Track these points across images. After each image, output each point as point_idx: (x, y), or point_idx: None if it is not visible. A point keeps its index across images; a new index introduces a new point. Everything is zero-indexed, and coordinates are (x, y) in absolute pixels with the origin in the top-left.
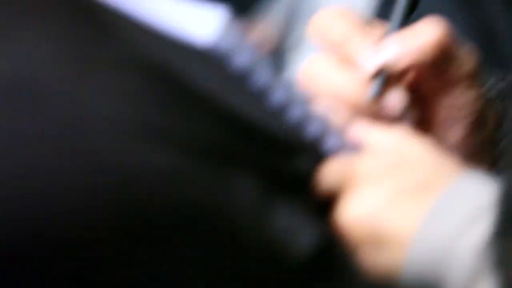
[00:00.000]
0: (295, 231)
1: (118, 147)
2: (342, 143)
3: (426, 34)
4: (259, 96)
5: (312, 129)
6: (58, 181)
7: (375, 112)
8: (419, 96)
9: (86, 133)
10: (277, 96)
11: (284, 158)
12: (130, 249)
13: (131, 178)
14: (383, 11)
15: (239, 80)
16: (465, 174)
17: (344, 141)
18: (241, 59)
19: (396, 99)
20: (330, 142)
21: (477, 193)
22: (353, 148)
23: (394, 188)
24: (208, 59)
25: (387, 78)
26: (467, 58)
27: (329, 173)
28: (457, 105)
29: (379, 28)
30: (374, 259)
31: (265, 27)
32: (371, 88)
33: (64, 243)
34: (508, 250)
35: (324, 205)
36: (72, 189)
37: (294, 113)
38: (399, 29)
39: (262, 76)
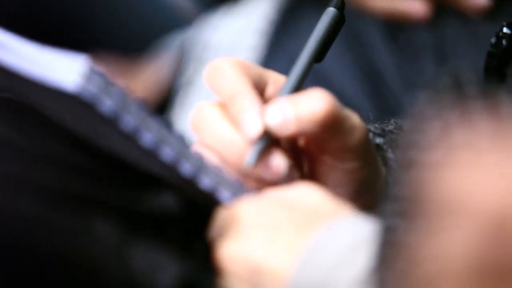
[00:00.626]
0: (156, 269)
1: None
2: (218, 182)
3: (314, 104)
4: (128, 138)
5: (185, 169)
6: None
7: (256, 175)
8: (307, 154)
9: None
10: (147, 137)
11: (146, 197)
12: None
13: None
14: (271, 50)
15: (108, 123)
16: (345, 214)
17: (220, 179)
18: (108, 103)
19: (279, 162)
20: (204, 181)
21: (353, 231)
22: (231, 186)
23: (272, 228)
24: (77, 103)
25: (271, 141)
26: (355, 129)
27: (219, 215)
28: (344, 170)
29: (273, 81)
30: None
31: (158, 65)
32: (250, 153)
33: None
34: (386, 285)
35: (199, 241)
36: None
37: (166, 154)
38: (291, 91)
39: (131, 118)
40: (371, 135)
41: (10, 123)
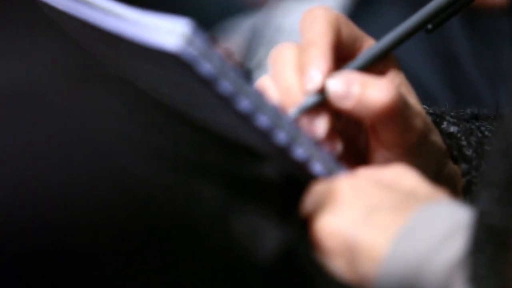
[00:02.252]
0: (257, 234)
1: (124, 163)
2: (311, 154)
3: (380, 93)
4: (227, 101)
5: (280, 137)
6: (71, 189)
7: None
8: (366, 134)
9: (90, 145)
10: (244, 103)
11: (247, 164)
12: (133, 252)
13: (138, 191)
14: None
15: (207, 85)
16: (441, 199)
17: (313, 151)
18: (209, 64)
19: (320, 124)
20: (298, 151)
21: (451, 215)
22: (322, 152)
23: (369, 207)
24: (177, 64)
25: (322, 102)
26: (412, 130)
27: (315, 190)
28: (394, 154)
29: (367, 48)
30: (348, 272)
31: (229, 46)
32: (298, 105)
33: (76, 248)
34: (479, 267)
35: (295, 212)
36: (85, 198)
37: (262, 121)
38: (365, 65)
39: (229, 83)
40: (445, 124)
41: (120, 97)
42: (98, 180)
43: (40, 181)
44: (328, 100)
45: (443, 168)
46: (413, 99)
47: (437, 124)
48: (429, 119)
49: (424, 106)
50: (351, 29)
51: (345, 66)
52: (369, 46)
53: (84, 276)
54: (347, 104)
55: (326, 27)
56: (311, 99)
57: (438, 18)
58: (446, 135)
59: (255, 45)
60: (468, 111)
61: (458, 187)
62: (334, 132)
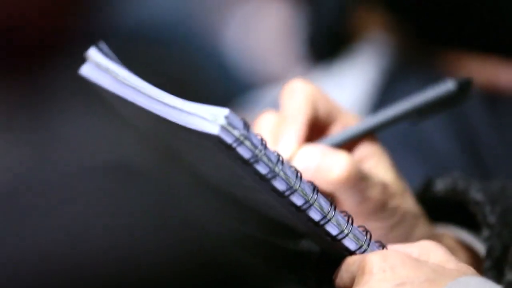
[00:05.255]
0: None
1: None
2: (344, 228)
3: (335, 164)
4: (264, 181)
5: (314, 215)
6: (154, 247)
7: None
8: None
9: (181, 213)
10: (281, 182)
11: (287, 240)
12: None
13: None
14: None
15: (246, 166)
16: (469, 275)
17: (347, 225)
18: (247, 146)
19: None
20: (331, 227)
21: None
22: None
23: (400, 282)
24: (219, 146)
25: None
26: (371, 195)
27: (347, 265)
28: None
29: (341, 121)
30: None
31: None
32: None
33: None
34: None
35: (330, 285)
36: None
37: (297, 200)
38: (338, 142)
39: (266, 164)
40: (473, 192)
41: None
42: (179, 236)
43: (127, 240)
44: None
45: (413, 229)
46: (381, 168)
47: (465, 193)
48: (398, 186)
49: (453, 176)
50: (327, 103)
51: (319, 140)
52: (345, 118)
53: None
54: (307, 175)
55: (303, 102)
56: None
57: (423, 112)
58: (473, 203)
59: None
60: (495, 182)
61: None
62: None
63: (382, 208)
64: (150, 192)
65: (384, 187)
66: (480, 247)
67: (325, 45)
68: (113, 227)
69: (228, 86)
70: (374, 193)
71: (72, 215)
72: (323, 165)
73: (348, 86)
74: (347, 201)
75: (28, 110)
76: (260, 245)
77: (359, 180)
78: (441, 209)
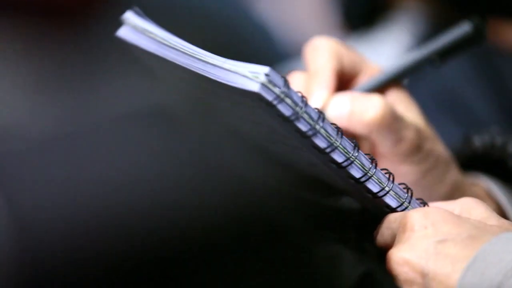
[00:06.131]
0: (339, 260)
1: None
2: (385, 185)
3: (369, 107)
4: (305, 138)
5: (354, 172)
6: (194, 190)
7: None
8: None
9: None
10: (322, 140)
11: (328, 198)
12: (245, 253)
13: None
14: None
15: (287, 123)
16: (510, 232)
17: (387, 182)
18: (288, 103)
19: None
20: (372, 184)
21: None
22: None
23: (441, 239)
24: (259, 103)
25: None
26: (403, 140)
27: (389, 222)
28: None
29: (366, 71)
30: None
31: None
32: None
33: (205, 244)
34: None
35: (370, 243)
36: (206, 199)
37: (337, 157)
38: (368, 88)
39: (307, 119)
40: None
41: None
42: (222, 187)
43: (174, 186)
44: None
45: (445, 175)
46: (412, 114)
47: (505, 148)
48: (429, 130)
49: (491, 132)
50: (351, 55)
51: (349, 90)
52: (369, 68)
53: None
54: (343, 121)
55: (328, 57)
56: None
57: (445, 53)
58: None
59: None
60: None
61: (467, 195)
62: None
63: (417, 149)
64: (194, 141)
65: (418, 129)
66: (503, 200)
67: (361, 14)
68: (164, 170)
69: (265, 56)
70: (409, 134)
71: (125, 157)
72: (356, 109)
73: (383, 54)
74: (383, 143)
75: (73, 67)
76: (300, 203)
77: (394, 120)
78: (478, 168)
